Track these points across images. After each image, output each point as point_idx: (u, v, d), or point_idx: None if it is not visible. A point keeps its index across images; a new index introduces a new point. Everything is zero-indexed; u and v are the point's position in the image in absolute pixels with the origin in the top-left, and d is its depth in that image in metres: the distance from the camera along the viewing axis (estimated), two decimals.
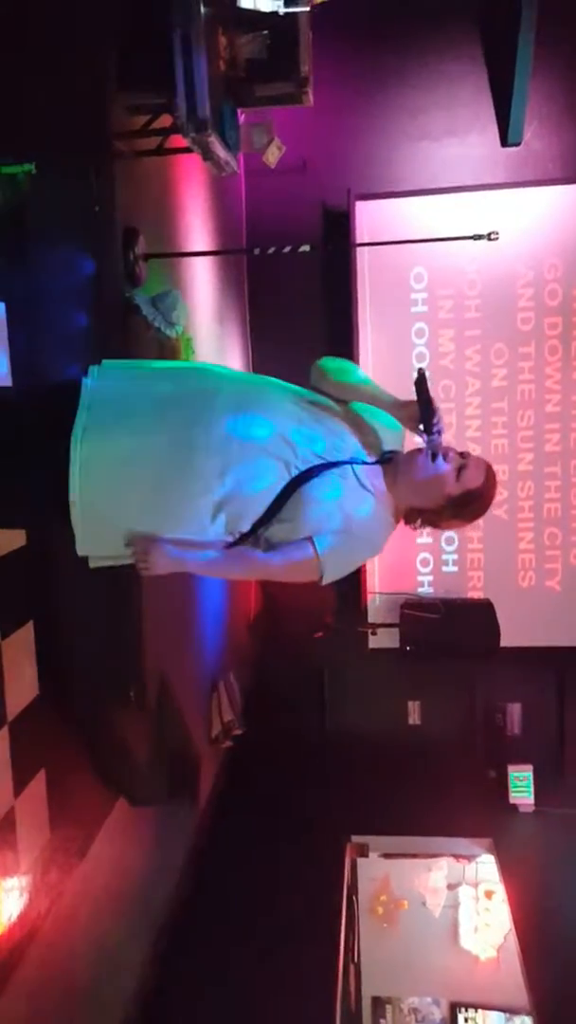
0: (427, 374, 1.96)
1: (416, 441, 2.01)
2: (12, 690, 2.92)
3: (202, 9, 3.31)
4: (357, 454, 1.98)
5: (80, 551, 1.89)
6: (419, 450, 2.00)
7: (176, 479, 1.83)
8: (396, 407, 2.01)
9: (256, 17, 3.78)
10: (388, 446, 2.06)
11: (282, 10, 3.76)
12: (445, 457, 1.96)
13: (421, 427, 1.96)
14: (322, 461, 1.91)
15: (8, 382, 2.97)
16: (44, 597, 3.11)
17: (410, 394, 1.97)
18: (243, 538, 1.93)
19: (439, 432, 1.95)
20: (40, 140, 3.07)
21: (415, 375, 1.95)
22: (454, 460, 1.97)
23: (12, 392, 2.92)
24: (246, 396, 1.90)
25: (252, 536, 1.93)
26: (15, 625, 2.97)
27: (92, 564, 1.95)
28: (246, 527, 1.91)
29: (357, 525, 1.94)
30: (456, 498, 1.98)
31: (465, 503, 2.00)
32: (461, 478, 1.97)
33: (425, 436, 1.96)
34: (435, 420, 1.94)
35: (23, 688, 3.03)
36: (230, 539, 1.93)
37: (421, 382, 1.93)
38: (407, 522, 2.08)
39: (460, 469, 1.97)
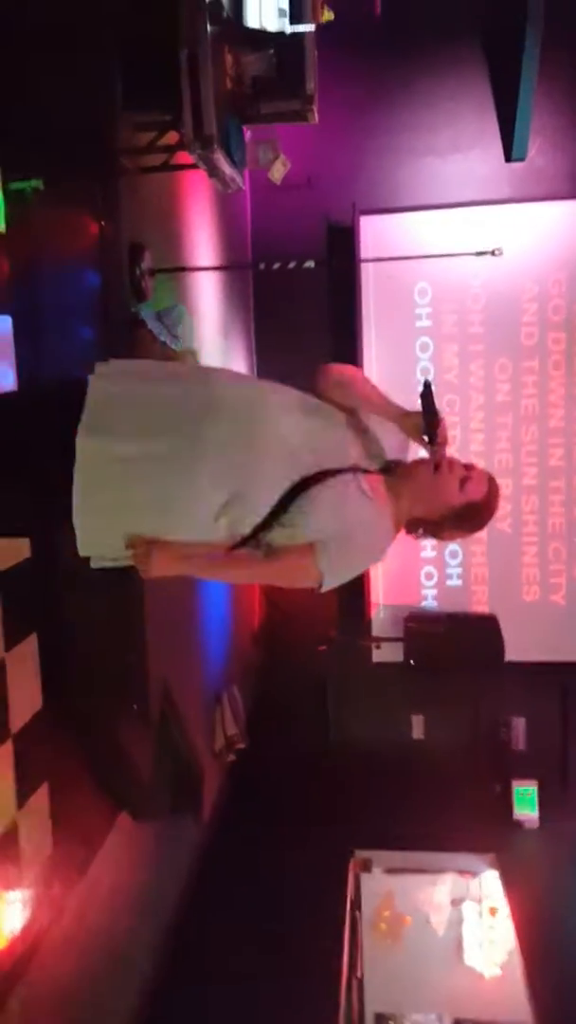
0: (433, 386, 1.97)
1: (420, 451, 2.02)
2: (15, 703, 2.92)
3: (209, 27, 3.35)
4: (360, 462, 1.99)
5: (82, 551, 1.90)
6: (423, 460, 2.01)
7: (179, 483, 1.83)
8: (401, 417, 2.02)
9: (262, 35, 3.82)
10: (392, 455, 2.07)
11: (288, 28, 3.81)
12: (449, 468, 1.96)
13: (426, 438, 1.96)
14: (325, 468, 1.91)
15: None
16: (48, 610, 3.12)
17: (415, 405, 1.98)
18: (244, 541, 1.93)
19: (443, 443, 1.96)
20: (47, 156, 3.09)
21: (421, 387, 1.95)
22: (458, 471, 1.97)
23: (18, 394, 2.93)
24: (250, 401, 1.90)
25: (253, 540, 1.93)
26: (19, 638, 2.98)
27: (93, 564, 1.95)
28: (247, 531, 1.90)
29: (358, 533, 1.93)
30: (458, 509, 1.99)
31: (467, 515, 2.00)
32: (464, 489, 1.97)
33: (429, 447, 1.97)
34: (439, 431, 1.94)
35: (26, 701, 3.03)
36: (231, 542, 1.93)
37: (427, 394, 1.94)
38: (408, 531, 2.08)
39: (463, 480, 1.97)
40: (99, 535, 1.88)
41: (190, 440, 1.82)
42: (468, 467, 2.00)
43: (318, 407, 2.01)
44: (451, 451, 2.01)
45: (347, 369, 2.10)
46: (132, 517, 1.86)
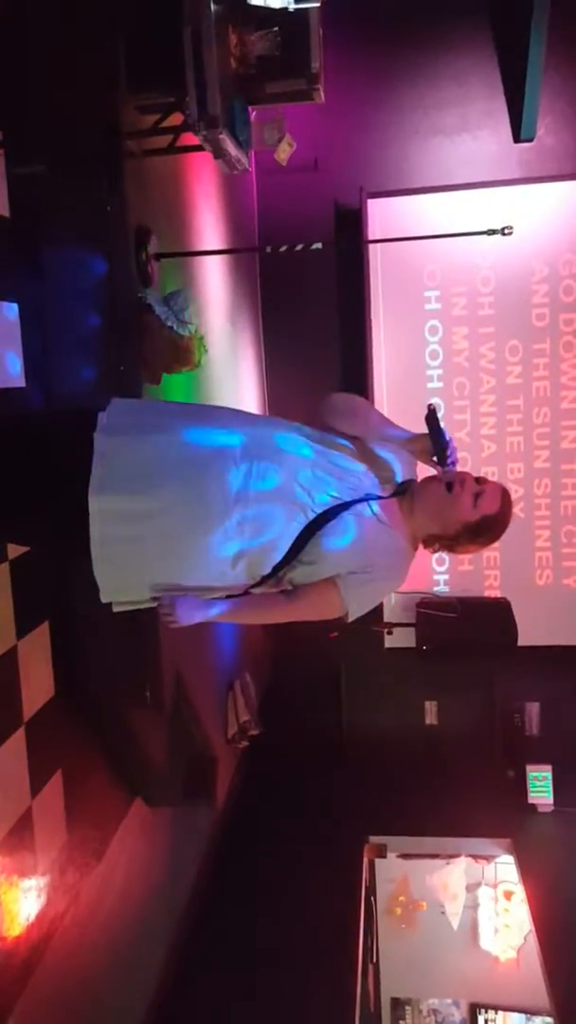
0: (438, 412, 1.98)
1: (430, 469, 2.02)
2: (28, 691, 2.92)
3: (212, 6, 3.30)
4: (372, 489, 1.99)
5: (104, 599, 1.91)
6: (434, 477, 2.01)
7: (194, 532, 1.83)
8: (408, 442, 2.03)
9: (267, 14, 3.78)
10: (402, 477, 2.06)
11: (292, 6, 3.76)
12: (461, 484, 1.96)
13: (435, 459, 1.97)
14: (338, 502, 1.91)
15: (22, 383, 2.97)
16: (59, 597, 3.11)
17: (422, 401, 1.97)
18: (264, 581, 1.94)
19: (453, 463, 1.96)
20: (51, 140, 3.06)
21: (426, 411, 1.96)
22: (470, 487, 1.97)
23: (29, 415, 2.90)
24: (259, 444, 1.89)
25: (274, 578, 1.95)
26: (31, 625, 2.97)
27: (115, 609, 1.96)
28: (267, 571, 1.92)
29: (378, 561, 1.95)
30: (473, 524, 1.98)
31: (482, 529, 2.00)
32: (478, 504, 1.97)
33: (440, 468, 1.96)
34: (449, 452, 1.95)
35: (39, 689, 3.03)
36: (252, 583, 1.94)
37: (432, 417, 1.95)
38: (425, 547, 2.08)
39: (477, 495, 1.97)
40: (118, 585, 1.89)
41: (201, 489, 1.82)
42: (480, 481, 2.00)
43: (324, 438, 2.01)
44: (461, 457, 2.00)
45: (350, 398, 2.09)
46: (150, 569, 1.87)
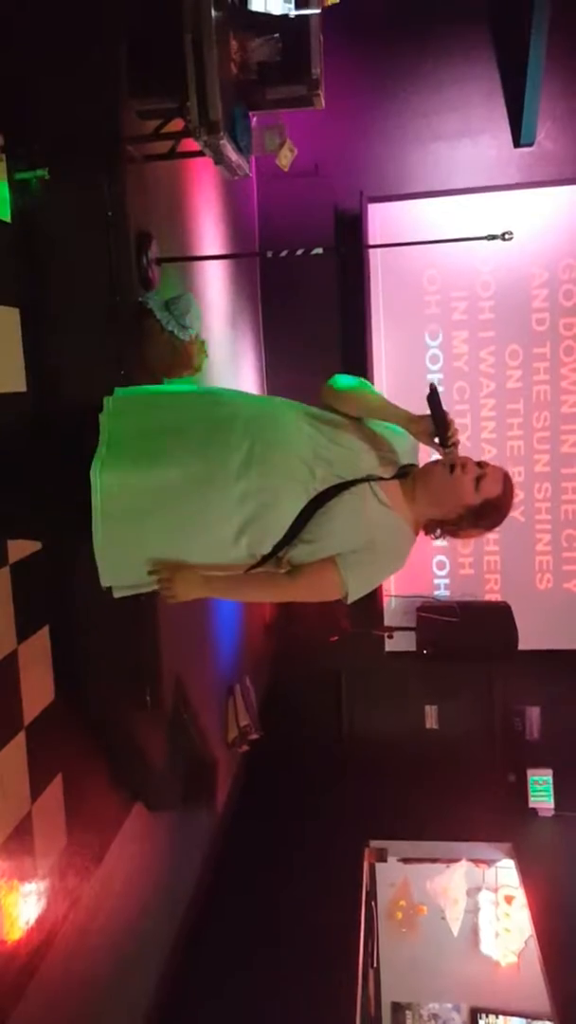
0: (439, 389, 1.97)
1: (432, 453, 2.01)
2: (28, 694, 2.92)
3: (213, 13, 3.31)
4: (374, 471, 1.99)
5: (104, 582, 1.91)
6: (436, 462, 2.00)
7: (197, 509, 1.84)
8: (410, 422, 2.02)
9: (267, 20, 3.78)
10: (404, 460, 2.07)
11: (293, 13, 3.77)
12: (463, 468, 1.95)
13: (437, 440, 1.96)
14: (340, 480, 1.91)
15: (23, 387, 2.98)
16: (60, 601, 3.11)
17: (423, 404, 1.97)
18: (264, 560, 1.93)
19: (455, 444, 1.96)
20: (52, 146, 3.07)
21: (427, 390, 1.95)
22: (472, 470, 1.96)
23: (32, 415, 2.93)
24: (261, 422, 1.90)
25: (274, 558, 1.94)
26: (31, 629, 2.97)
27: (116, 594, 1.96)
28: (267, 550, 1.91)
29: (379, 542, 1.95)
30: (475, 508, 1.98)
31: (484, 512, 2.00)
32: (479, 488, 1.96)
33: (442, 449, 1.95)
34: (450, 433, 1.94)
35: (39, 692, 3.03)
36: (252, 562, 1.93)
37: (433, 397, 1.94)
38: (427, 532, 2.08)
39: (479, 479, 1.96)
40: (120, 564, 1.89)
41: (204, 466, 1.83)
42: (482, 465, 1.99)
43: (328, 419, 2.02)
44: (463, 440, 2.01)
45: (353, 379, 2.10)
46: (152, 545, 1.88)
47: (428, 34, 6.04)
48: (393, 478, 2.02)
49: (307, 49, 4.07)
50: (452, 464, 1.95)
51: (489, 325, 6.22)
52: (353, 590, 1.96)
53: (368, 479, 1.96)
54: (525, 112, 5.87)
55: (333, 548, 1.92)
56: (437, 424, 1.94)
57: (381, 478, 1.99)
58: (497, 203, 5.99)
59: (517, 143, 6.08)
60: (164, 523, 1.84)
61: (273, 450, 1.86)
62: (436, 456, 2.01)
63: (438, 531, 2.06)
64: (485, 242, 4.30)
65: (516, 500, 6.86)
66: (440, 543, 6.33)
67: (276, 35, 3.86)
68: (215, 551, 1.89)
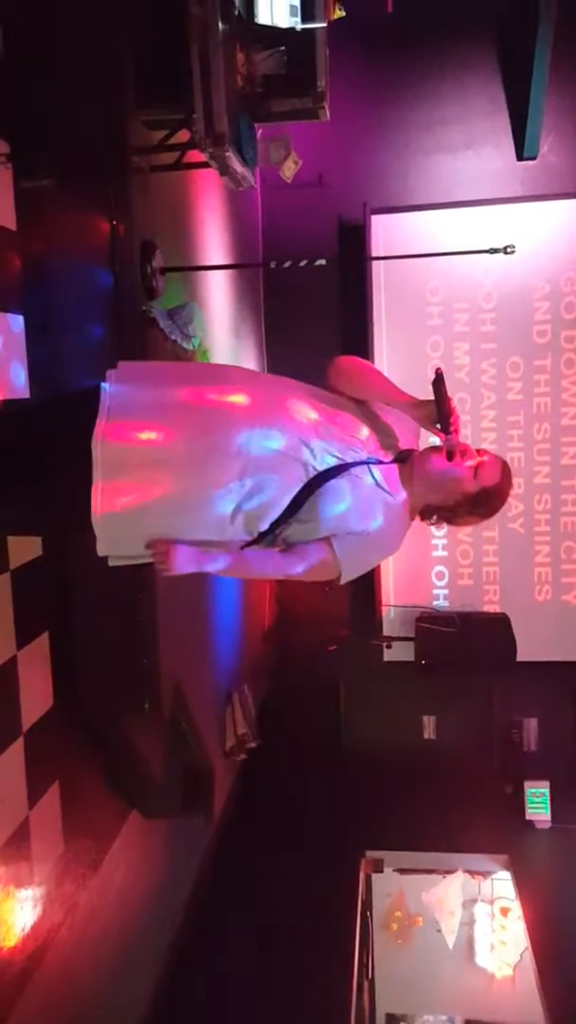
0: (444, 375, 1.97)
1: (432, 440, 2.02)
2: (27, 701, 2.93)
3: (220, 25, 3.34)
4: (374, 454, 1.99)
5: (100, 551, 1.91)
6: (435, 448, 2.00)
7: (195, 484, 1.84)
8: (413, 406, 2.02)
9: (273, 33, 3.80)
10: (404, 444, 2.07)
11: (299, 26, 3.80)
12: (462, 455, 1.96)
13: (438, 426, 1.96)
14: (339, 462, 1.92)
15: (27, 394, 2.99)
16: (59, 608, 3.12)
17: (427, 395, 1.97)
18: (261, 537, 1.94)
19: (456, 431, 1.96)
20: (59, 155, 3.09)
21: (432, 374, 1.95)
22: (470, 458, 1.97)
23: (32, 399, 2.95)
24: (264, 401, 1.91)
25: (270, 536, 1.94)
26: (30, 636, 2.98)
27: (112, 563, 1.97)
28: (264, 527, 1.92)
29: (374, 525, 1.95)
30: (473, 496, 1.99)
31: (482, 500, 2.00)
32: (478, 476, 1.97)
33: (443, 435, 1.96)
34: (452, 419, 1.94)
35: (38, 699, 3.03)
36: (248, 538, 1.94)
37: (438, 382, 1.94)
38: (423, 518, 2.08)
39: (477, 467, 1.97)
40: (117, 536, 1.89)
41: (203, 442, 1.84)
42: (481, 453, 2.00)
43: (330, 400, 2.02)
44: (463, 435, 2.01)
45: (357, 361, 2.10)
46: (149, 518, 1.87)
47: (433, 47, 6.08)
48: (392, 462, 2.02)
49: (313, 62, 4.10)
50: (452, 451, 1.96)
51: (491, 337, 6.24)
52: (346, 571, 1.97)
53: (367, 462, 1.96)
54: (528, 125, 5.90)
55: (329, 529, 1.92)
56: (440, 410, 1.94)
57: (380, 461, 1.99)
58: (500, 216, 6.02)
59: (520, 156, 6.11)
60: (162, 496, 1.85)
61: (275, 430, 1.87)
62: (436, 441, 2.02)
63: (434, 517, 2.07)
64: (487, 254, 4.33)
65: (516, 512, 6.83)
66: (440, 553, 6.37)
67: (282, 48, 3.89)
68: (213, 528, 1.90)
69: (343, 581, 1.99)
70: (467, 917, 6.14)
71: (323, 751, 6.56)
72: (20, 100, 2.97)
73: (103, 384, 1.89)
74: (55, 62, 3.08)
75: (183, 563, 1.90)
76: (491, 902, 6.13)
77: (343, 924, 4.96)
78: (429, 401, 1.97)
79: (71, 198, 3.23)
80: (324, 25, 3.95)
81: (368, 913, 5.95)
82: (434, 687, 6.42)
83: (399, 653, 6.22)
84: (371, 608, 6.32)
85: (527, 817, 6.02)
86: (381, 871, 5.97)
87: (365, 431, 2.00)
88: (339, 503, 1.90)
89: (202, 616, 4.93)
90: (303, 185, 5.81)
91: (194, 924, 4.68)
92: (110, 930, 3.58)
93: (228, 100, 3.41)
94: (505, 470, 2.02)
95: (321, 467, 1.90)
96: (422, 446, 2.10)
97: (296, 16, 3.79)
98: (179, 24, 3.36)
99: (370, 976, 5.90)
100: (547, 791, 6.05)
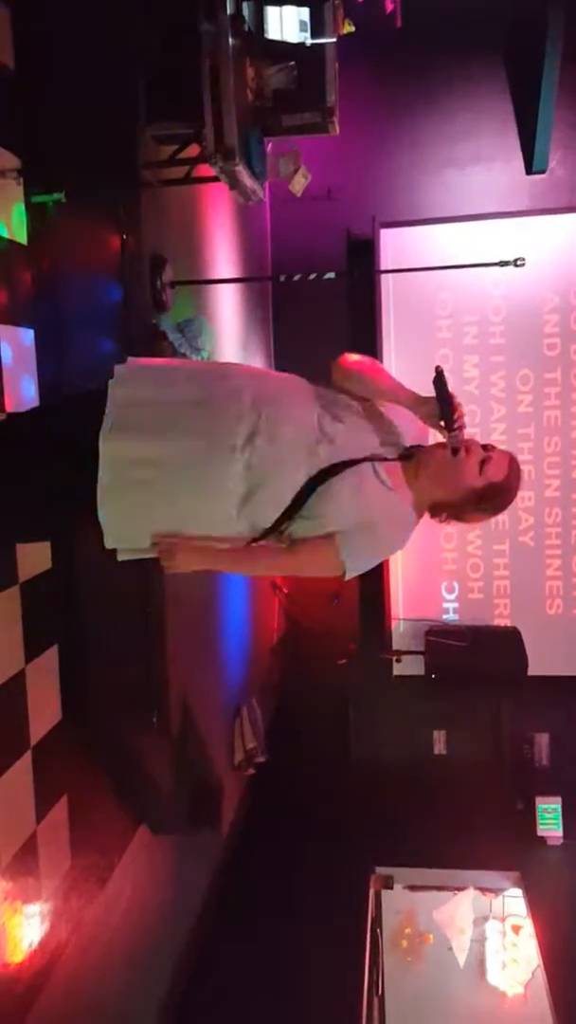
0: (445, 372, 1.97)
1: (438, 436, 2.01)
2: (35, 715, 2.92)
3: (230, 40, 3.36)
4: (378, 451, 1.99)
5: (108, 545, 1.93)
6: (441, 444, 2.00)
7: (201, 480, 1.86)
8: (417, 404, 2.02)
9: (283, 48, 3.82)
10: (409, 441, 2.07)
11: (309, 41, 3.82)
12: (468, 451, 1.95)
13: (442, 423, 1.96)
14: (344, 459, 1.92)
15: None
16: (68, 621, 3.11)
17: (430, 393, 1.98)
18: (266, 533, 1.94)
19: (460, 427, 1.95)
20: (69, 170, 3.11)
21: (433, 373, 1.95)
22: (476, 453, 1.96)
23: (41, 402, 2.97)
24: (268, 396, 1.92)
25: (275, 532, 1.94)
26: (39, 649, 2.97)
27: (120, 557, 1.98)
28: (269, 523, 1.92)
29: (378, 522, 1.94)
30: (480, 491, 1.97)
31: (489, 496, 1.98)
32: (484, 471, 1.95)
33: (447, 431, 1.96)
34: (456, 416, 1.94)
35: (46, 713, 3.02)
36: (253, 534, 1.94)
37: (439, 380, 1.95)
38: (432, 516, 2.07)
39: (483, 462, 1.95)
40: (124, 531, 1.91)
41: (209, 438, 1.85)
42: (487, 448, 1.98)
43: (335, 398, 2.03)
44: (469, 431, 2.01)
45: (361, 359, 2.10)
46: (155, 515, 1.90)
47: (442, 62, 6.10)
48: (397, 459, 2.02)
49: (322, 77, 4.11)
50: (456, 447, 1.95)
51: (500, 350, 6.23)
52: (351, 567, 1.96)
53: (371, 459, 1.96)
54: (537, 139, 5.91)
55: (333, 525, 1.92)
56: (443, 406, 1.94)
57: (384, 458, 1.99)
58: (509, 229, 6.03)
59: (529, 170, 6.12)
60: (168, 493, 1.87)
61: (278, 425, 1.88)
62: (440, 438, 2.01)
63: (443, 514, 2.05)
64: (497, 267, 4.32)
65: (526, 525, 6.79)
66: (450, 566, 6.35)
67: (292, 63, 3.91)
68: (218, 523, 1.91)
69: (348, 577, 1.98)
70: (478, 935, 6.07)
71: (332, 766, 6.52)
72: (31, 115, 2.99)
73: (111, 380, 1.91)
74: (66, 77, 3.11)
75: (186, 559, 1.92)
76: (502, 920, 6.06)
77: (353, 941, 4.92)
78: (432, 398, 1.97)
79: (81, 212, 3.25)
80: (333, 40, 3.97)
81: (378, 930, 5.89)
82: (444, 701, 6.38)
83: (409, 667, 6.19)
84: (380, 621, 6.30)
85: (538, 833, 5.96)
86: (391, 888, 5.91)
87: (369, 427, 2.01)
88: (343, 499, 1.90)
89: (211, 630, 4.92)
90: (312, 199, 5.82)
91: (201, 939, 4.65)
92: (117, 945, 3.55)
93: (238, 115, 3.43)
94: (513, 465, 2.00)
95: (325, 463, 1.90)
96: (428, 442, 2.10)
97: (306, 31, 3.80)
98: (190, 39, 3.38)
99: (380, 993, 5.83)
100: (559, 807, 5.99)
